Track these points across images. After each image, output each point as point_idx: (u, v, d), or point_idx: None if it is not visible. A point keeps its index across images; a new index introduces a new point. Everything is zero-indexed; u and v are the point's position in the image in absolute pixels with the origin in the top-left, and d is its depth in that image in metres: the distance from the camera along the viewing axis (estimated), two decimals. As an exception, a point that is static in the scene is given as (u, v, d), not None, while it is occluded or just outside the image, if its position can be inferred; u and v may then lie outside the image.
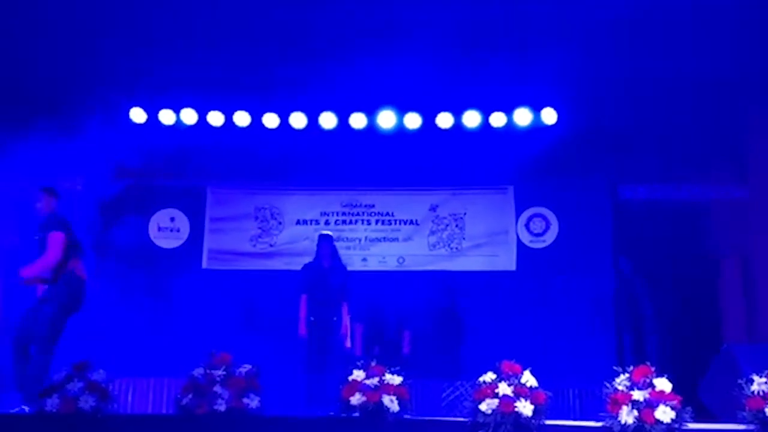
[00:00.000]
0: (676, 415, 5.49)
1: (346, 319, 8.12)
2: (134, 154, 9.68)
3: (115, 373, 6.35)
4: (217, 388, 5.89)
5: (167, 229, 10.35)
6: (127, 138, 9.61)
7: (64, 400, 5.88)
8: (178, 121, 9.72)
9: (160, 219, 10.37)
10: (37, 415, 5.86)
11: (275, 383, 7.30)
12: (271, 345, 8.92)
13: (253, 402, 5.92)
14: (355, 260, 10.12)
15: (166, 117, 9.70)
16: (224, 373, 5.96)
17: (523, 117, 9.56)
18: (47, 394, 5.92)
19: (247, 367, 6.05)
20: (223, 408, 5.83)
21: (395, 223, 10.37)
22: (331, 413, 6.08)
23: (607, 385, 5.71)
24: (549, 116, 9.49)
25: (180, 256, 10.06)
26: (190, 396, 5.92)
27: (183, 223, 10.39)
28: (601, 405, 5.71)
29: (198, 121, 9.70)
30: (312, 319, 8.03)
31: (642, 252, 9.65)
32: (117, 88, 9.26)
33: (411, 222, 10.37)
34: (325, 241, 8.38)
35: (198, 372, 6.01)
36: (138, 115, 9.67)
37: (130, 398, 8.75)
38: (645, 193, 9.98)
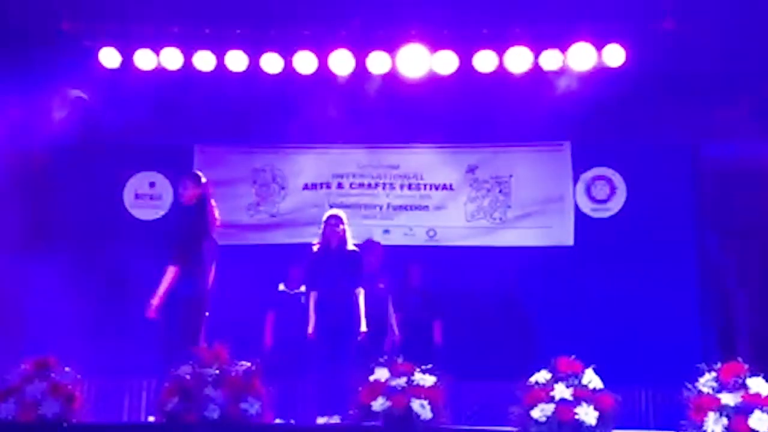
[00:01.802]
0: (776, 424, 5.43)
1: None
2: (105, 105, 9.68)
3: (84, 372, 6.34)
4: (209, 391, 5.87)
5: (146, 197, 10.37)
6: (96, 86, 9.60)
7: (22, 406, 5.88)
8: (159, 64, 9.66)
9: (137, 184, 10.40)
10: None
11: (279, 384, 7.31)
12: (273, 336, 8.96)
13: (253, 407, 5.89)
14: (375, 232, 10.11)
15: (144, 60, 9.64)
16: (217, 372, 5.94)
17: (582, 56, 9.43)
18: (1, 398, 5.91)
19: (245, 364, 6.02)
20: (216, 414, 5.82)
21: (425, 188, 10.36)
22: (348, 421, 6.05)
23: (689, 386, 5.66)
24: (614, 55, 9.36)
25: (161, 229, 10.03)
26: (175, 400, 5.91)
27: (165, 189, 10.39)
28: (681, 411, 5.66)
29: (183, 65, 9.64)
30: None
31: (731, 224, 9.57)
32: (84, 23, 9.22)
33: (444, 186, 10.35)
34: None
35: (185, 371, 5.99)
36: (110, 57, 9.61)
37: (102, 403, 8.80)
38: (735, 151, 9.87)
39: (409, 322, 9.12)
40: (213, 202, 7.52)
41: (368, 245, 8.98)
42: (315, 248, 8.16)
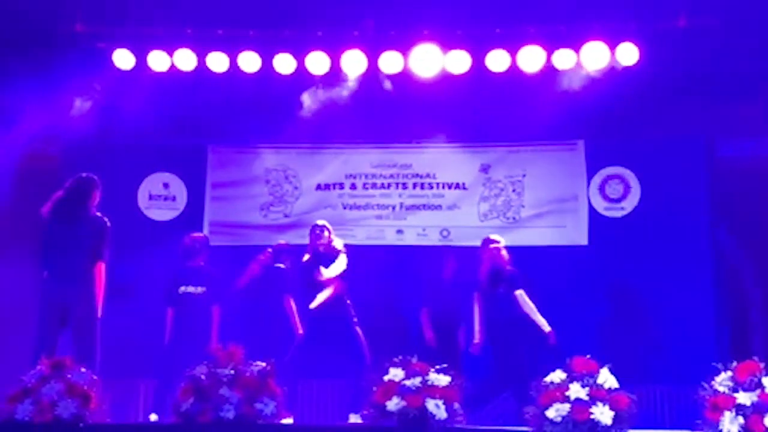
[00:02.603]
0: (792, 423, 5.41)
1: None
2: (119, 107, 9.69)
3: (100, 373, 6.35)
4: (224, 391, 5.86)
5: (160, 198, 10.40)
6: (110, 88, 9.61)
7: (38, 407, 5.88)
8: (173, 65, 9.67)
9: (151, 185, 10.43)
10: (5, 425, 5.87)
11: (293, 384, 7.32)
12: (289, 338, 8.94)
13: (268, 408, 5.88)
14: (388, 233, 10.13)
15: (158, 61, 9.66)
16: (232, 372, 5.93)
17: (595, 55, 9.41)
18: (18, 398, 5.92)
19: (260, 365, 6.01)
20: (231, 415, 5.81)
21: (438, 188, 10.35)
22: (362, 421, 6.05)
23: (705, 385, 5.63)
24: (628, 54, 9.33)
25: (176, 230, 10.03)
26: (191, 400, 5.90)
27: (179, 189, 10.42)
28: (697, 410, 5.63)
29: (196, 66, 9.66)
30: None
31: (746, 222, 9.52)
32: (98, 25, 9.25)
33: (457, 186, 10.33)
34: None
35: (200, 371, 5.98)
36: (123, 58, 9.63)
37: (117, 404, 8.81)
38: (750, 149, 9.83)
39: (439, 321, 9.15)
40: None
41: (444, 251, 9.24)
42: (305, 259, 8.36)
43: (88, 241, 7.28)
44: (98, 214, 7.44)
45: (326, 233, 8.33)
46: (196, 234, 9.21)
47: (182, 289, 8.73)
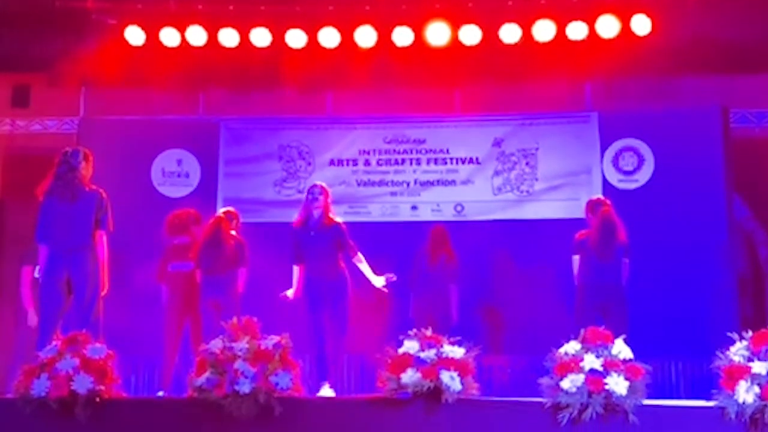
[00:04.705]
0: (807, 392, 5.38)
1: None
2: (131, 83, 9.70)
3: (116, 348, 6.36)
4: (239, 365, 5.86)
5: (173, 174, 10.39)
6: (122, 64, 9.61)
7: (54, 382, 5.89)
8: (184, 41, 9.66)
9: (164, 162, 10.42)
10: (21, 401, 5.89)
11: (308, 359, 7.35)
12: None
13: (284, 381, 5.88)
14: (402, 209, 10.14)
15: (169, 37, 9.65)
16: (248, 346, 5.92)
17: (608, 26, 9.36)
18: (34, 373, 5.93)
19: (275, 338, 6.01)
20: (247, 389, 5.81)
21: (451, 162, 10.32)
22: (378, 393, 6.05)
23: (720, 355, 5.60)
24: (641, 24, 9.28)
25: (189, 207, 10.05)
26: (206, 375, 5.90)
27: (192, 166, 10.42)
28: (711, 380, 5.62)
29: (207, 42, 9.64)
30: None
31: (761, 193, 9.48)
32: (109, 2, 9.27)
33: (471, 160, 10.31)
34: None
35: (215, 345, 5.98)
36: (135, 35, 9.63)
37: (133, 379, 8.85)
38: (765, 120, 9.77)
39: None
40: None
41: None
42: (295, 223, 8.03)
43: (86, 214, 7.18)
44: (93, 186, 7.34)
45: (321, 198, 7.87)
46: (180, 210, 9.09)
47: (171, 266, 8.66)
